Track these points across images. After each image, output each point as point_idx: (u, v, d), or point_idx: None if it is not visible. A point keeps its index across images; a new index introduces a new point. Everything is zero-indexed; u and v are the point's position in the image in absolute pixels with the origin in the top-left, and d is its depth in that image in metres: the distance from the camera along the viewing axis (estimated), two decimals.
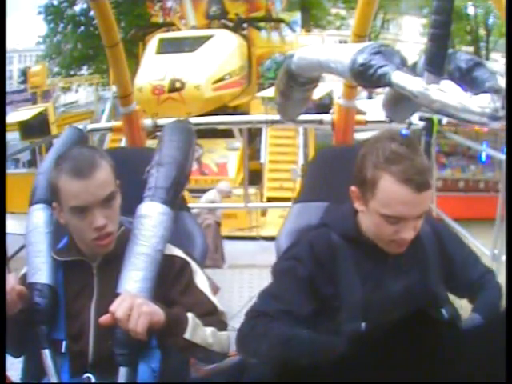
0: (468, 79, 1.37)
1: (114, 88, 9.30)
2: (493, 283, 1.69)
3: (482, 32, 26.66)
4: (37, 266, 1.67)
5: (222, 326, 1.67)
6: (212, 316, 1.65)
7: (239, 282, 3.79)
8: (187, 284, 1.68)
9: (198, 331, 1.55)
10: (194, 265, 1.73)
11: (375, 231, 1.55)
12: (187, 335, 1.51)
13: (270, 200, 7.89)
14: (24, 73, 22.38)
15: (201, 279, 1.72)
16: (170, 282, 1.65)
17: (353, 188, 1.58)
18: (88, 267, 1.65)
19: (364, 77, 1.36)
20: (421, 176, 1.45)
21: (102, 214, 1.56)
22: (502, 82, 1.23)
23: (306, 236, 1.69)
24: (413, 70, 1.43)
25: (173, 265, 1.69)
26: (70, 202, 1.56)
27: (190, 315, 1.54)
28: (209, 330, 1.59)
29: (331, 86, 9.35)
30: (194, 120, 3.13)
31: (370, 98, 12.52)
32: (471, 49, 24.74)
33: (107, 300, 1.54)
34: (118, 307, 1.40)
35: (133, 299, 1.43)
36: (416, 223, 1.50)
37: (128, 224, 1.75)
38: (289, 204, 2.23)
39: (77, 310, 1.64)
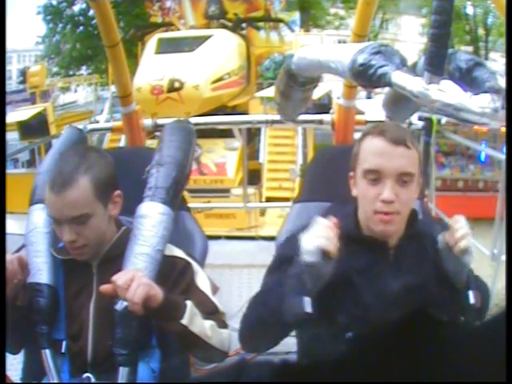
0: (468, 79, 1.37)
1: (112, 88, 9.29)
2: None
3: (481, 32, 26.66)
4: (37, 265, 1.67)
5: (222, 325, 1.67)
6: (212, 315, 1.65)
7: (238, 282, 3.78)
8: (188, 284, 1.68)
9: (195, 320, 1.55)
10: (195, 265, 1.73)
11: (362, 204, 1.56)
12: (184, 321, 1.51)
13: (269, 200, 7.87)
14: (23, 73, 22.32)
15: (202, 280, 1.72)
16: (171, 283, 1.65)
17: (350, 174, 1.62)
18: (88, 266, 1.66)
19: (364, 77, 1.36)
20: (397, 131, 1.50)
21: (71, 230, 1.56)
22: (501, 82, 1.23)
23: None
24: (413, 69, 1.43)
25: (174, 266, 1.69)
26: (48, 211, 1.62)
27: (188, 302, 1.54)
28: (208, 322, 1.60)
29: (330, 86, 9.35)
30: (192, 120, 3.13)
31: (369, 97, 12.52)
32: (470, 48, 24.73)
33: (106, 300, 1.54)
34: (120, 277, 1.42)
35: (135, 272, 1.46)
36: (396, 185, 1.50)
37: (129, 224, 1.76)
38: (288, 204, 2.23)
39: (76, 310, 1.64)
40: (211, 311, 1.67)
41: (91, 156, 1.62)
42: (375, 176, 1.48)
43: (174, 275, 1.67)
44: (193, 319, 1.53)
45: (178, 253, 1.74)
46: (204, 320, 1.58)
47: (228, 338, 1.68)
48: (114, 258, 1.65)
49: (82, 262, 1.65)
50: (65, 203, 1.53)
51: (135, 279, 1.41)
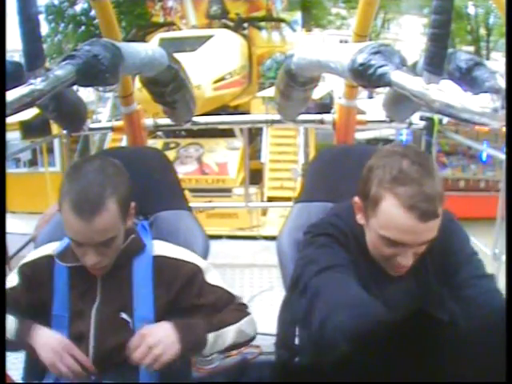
0: (468, 79, 1.37)
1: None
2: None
3: (482, 32, 26.62)
4: None
5: (242, 308, 1.75)
6: (232, 304, 1.72)
7: (240, 281, 3.79)
8: (200, 287, 1.70)
9: (218, 343, 1.62)
10: (203, 265, 1.75)
11: (373, 249, 1.50)
12: (206, 351, 1.61)
13: (270, 199, 7.86)
14: None
15: (212, 276, 1.75)
16: (182, 287, 1.68)
17: (356, 199, 1.54)
18: (92, 273, 1.66)
19: (364, 76, 1.36)
20: (428, 204, 1.34)
21: (97, 252, 1.54)
22: (501, 82, 1.23)
23: (326, 219, 1.67)
24: (413, 69, 1.43)
25: (183, 270, 1.70)
26: (67, 232, 1.54)
27: (210, 336, 1.59)
28: (232, 330, 1.66)
29: (332, 86, 9.35)
30: (195, 119, 3.14)
31: (370, 97, 12.52)
32: (472, 48, 24.70)
33: (109, 306, 1.56)
34: (135, 350, 1.49)
35: (147, 341, 1.49)
36: (418, 250, 1.42)
37: (140, 228, 1.77)
38: (289, 203, 2.23)
39: (79, 311, 1.65)
40: (229, 301, 1.73)
41: (112, 172, 1.56)
42: (395, 244, 1.40)
43: (184, 280, 1.69)
44: (215, 344, 1.61)
45: (187, 256, 1.75)
46: (227, 331, 1.65)
47: (253, 321, 1.74)
48: (120, 266, 1.66)
49: (85, 268, 1.64)
50: (94, 230, 1.48)
51: (150, 353, 1.47)
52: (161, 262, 1.70)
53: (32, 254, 1.76)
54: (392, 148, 1.48)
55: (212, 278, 1.74)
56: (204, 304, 1.68)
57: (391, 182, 1.38)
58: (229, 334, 1.65)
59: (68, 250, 1.67)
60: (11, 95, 1.13)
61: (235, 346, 1.72)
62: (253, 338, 1.75)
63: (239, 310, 1.73)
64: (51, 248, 1.74)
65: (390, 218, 1.38)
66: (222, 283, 1.76)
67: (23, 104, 1.16)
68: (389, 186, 1.38)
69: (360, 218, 1.52)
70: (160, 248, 1.74)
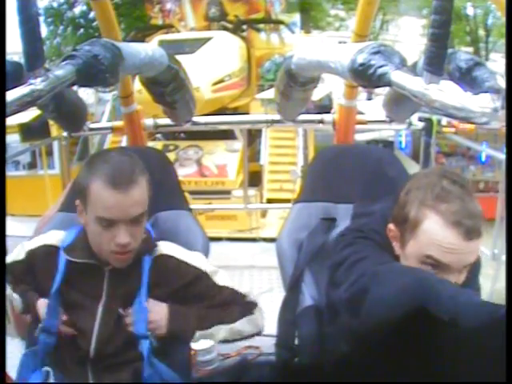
0: (468, 79, 1.37)
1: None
2: None
3: (481, 32, 26.63)
4: None
5: (248, 307, 1.78)
6: (241, 302, 1.76)
7: (239, 283, 3.79)
8: (204, 290, 1.74)
9: (207, 336, 1.71)
10: (209, 269, 1.77)
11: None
12: (193, 340, 1.69)
13: (270, 201, 7.87)
14: None
15: (220, 277, 1.78)
16: (186, 290, 1.72)
17: (390, 227, 1.47)
18: (100, 269, 1.66)
19: (363, 76, 1.36)
20: (473, 221, 1.29)
21: (127, 232, 1.55)
22: (501, 82, 1.23)
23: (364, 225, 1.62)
24: (413, 69, 1.43)
25: (186, 273, 1.73)
26: (98, 212, 1.54)
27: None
28: (225, 329, 1.72)
29: (331, 88, 9.35)
30: (195, 120, 3.14)
31: (369, 99, 12.52)
32: (470, 49, 24.72)
33: (115, 303, 1.56)
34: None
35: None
36: (459, 277, 1.34)
37: (149, 227, 1.79)
38: (289, 205, 2.23)
39: (84, 306, 1.64)
40: (237, 299, 1.76)
41: (136, 158, 1.63)
42: (437, 267, 1.34)
43: (184, 282, 1.72)
44: (203, 337, 1.70)
45: (191, 259, 1.76)
46: (218, 327, 1.70)
47: (255, 320, 1.78)
48: (129, 263, 1.66)
49: (94, 264, 1.64)
50: (131, 202, 1.53)
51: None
52: (164, 262, 1.71)
53: (36, 241, 1.75)
54: (428, 170, 1.48)
55: (220, 279, 1.76)
56: (215, 304, 1.73)
57: (434, 200, 1.33)
58: (220, 331, 1.70)
59: (76, 244, 1.67)
60: (11, 95, 1.13)
61: (232, 340, 1.77)
62: (254, 334, 1.79)
63: (243, 309, 1.76)
64: (55, 238, 1.73)
65: (433, 236, 1.32)
66: (230, 283, 1.79)
67: (23, 104, 1.15)
68: (431, 203, 1.33)
69: (395, 245, 1.46)
70: (165, 248, 1.75)
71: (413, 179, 1.45)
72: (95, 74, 1.36)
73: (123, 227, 1.54)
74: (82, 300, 1.65)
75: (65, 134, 3.31)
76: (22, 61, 1.27)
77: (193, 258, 1.75)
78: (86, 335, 1.61)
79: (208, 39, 9.68)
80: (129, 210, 1.53)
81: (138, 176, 1.55)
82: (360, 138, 8.59)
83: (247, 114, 9.35)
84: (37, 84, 1.18)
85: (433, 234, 1.32)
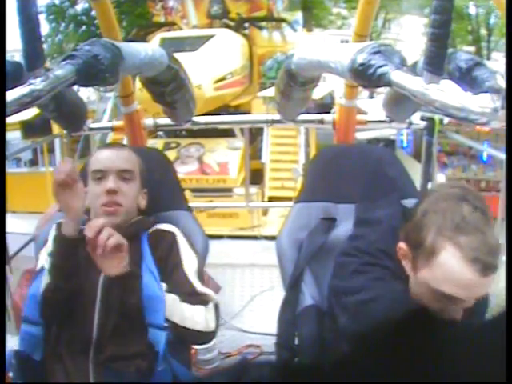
0: (468, 79, 1.37)
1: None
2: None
3: (483, 32, 26.61)
4: None
5: (204, 303, 1.75)
6: (193, 296, 1.73)
7: (240, 281, 3.79)
8: (176, 263, 1.78)
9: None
10: (180, 238, 1.86)
11: (417, 298, 1.38)
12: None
13: (271, 199, 7.86)
14: None
15: (188, 261, 1.81)
16: (164, 256, 1.79)
17: (401, 245, 1.41)
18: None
19: (363, 76, 1.36)
20: (492, 257, 1.24)
21: (116, 182, 1.77)
22: (501, 82, 1.23)
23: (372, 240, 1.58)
24: (413, 69, 1.43)
25: (164, 238, 1.84)
26: (93, 166, 1.82)
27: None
28: (186, 305, 1.68)
29: (332, 86, 9.34)
30: (195, 119, 3.14)
31: (371, 97, 12.52)
32: (472, 49, 24.70)
33: (115, 279, 1.56)
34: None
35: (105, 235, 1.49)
36: (469, 304, 1.31)
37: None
38: (290, 203, 2.23)
39: (86, 283, 1.66)
40: (191, 292, 1.73)
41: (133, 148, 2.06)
42: (448, 298, 1.29)
43: (165, 248, 1.80)
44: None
45: (167, 227, 1.89)
46: (182, 303, 1.67)
47: (212, 317, 1.73)
48: (128, 238, 1.66)
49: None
50: (119, 156, 1.83)
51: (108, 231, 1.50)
52: (158, 233, 1.86)
53: None
54: (448, 190, 1.34)
55: (186, 260, 1.82)
56: (170, 281, 1.73)
57: (453, 231, 1.26)
58: (183, 306, 1.68)
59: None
60: (11, 95, 1.14)
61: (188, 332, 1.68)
62: (211, 334, 1.74)
63: (202, 302, 1.75)
64: None
65: (449, 272, 1.26)
66: (192, 271, 1.81)
67: (23, 104, 1.16)
68: (450, 234, 1.26)
69: (405, 265, 1.40)
70: (162, 226, 1.91)
71: (431, 198, 1.36)
72: (95, 73, 1.37)
73: (112, 177, 1.78)
74: (87, 274, 1.65)
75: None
76: (22, 60, 1.27)
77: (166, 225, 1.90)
78: (86, 322, 1.62)
79: (210, 37, 9.65)
80: (117, 161, 1.81)
81: (130, 150, 1.93)
82: (361, 136, 8.58)
83: (249, 112, 9.35)
84: (37, 84, 1.18)
85: (449, 269, 1.26)
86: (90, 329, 1.63)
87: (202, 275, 1.85)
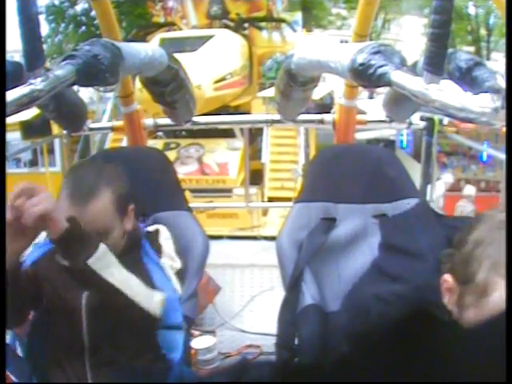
0: (468, 79, 1.37)
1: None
2: None
3: (482, 32, 26.61)
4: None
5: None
6: None
7: (240, 282, 3.78)
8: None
9: (109, 267, 1.44)
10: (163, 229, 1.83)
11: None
12: (91, 261, 1.39)
13: (271, 200, 7.86)
14: None
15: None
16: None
17: (446, 277, 1.20)
18: None
19: (363, 76, 1.36)
20: None
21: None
22: (501, 82, 1.23)
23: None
24: (413, 69, 1.43)
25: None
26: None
27: (103, 246, 1.43)
28: (134, 278, 1.51)
29: (332, 86, 9.34)
30: (195, 119, 3.14)
31: (371, 97, 12.52)
32: (472, 49, 24.70)
33: (98, 295, 1.53)
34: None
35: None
36: None
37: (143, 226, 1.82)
38: (290, 204, 2.23)
39: (69, 299, 1.60)
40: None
41: (108, 169, 1.61)
42: None
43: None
44: (105, 264, 1.42)
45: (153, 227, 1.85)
46: (129, 274, 1.50)
47: (160, 302, 1.54)
48: (128, 250, 1.66)
49: None
50: (88, 216, 1.49)
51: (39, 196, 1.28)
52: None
53: None
54: (503, 216, 1.11)
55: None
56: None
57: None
58: (129, 276, 1.50)
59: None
60: (11, 95, 1.14)
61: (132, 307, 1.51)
62: (154, 320, 1.54)
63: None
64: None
65: None
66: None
67: (23, 104, 1.16)
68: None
69: (449, 299, 1.19)
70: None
71: (483, 226, 1.15)
72: (95, 73, 1.37)
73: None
74: (69, 291, 1.58)
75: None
76: (22, 60, 1.27)
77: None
78: (76, 326, 1.58)
79: (210, 37, 9.66)
80: (87, 224, 1.45)
81: (99, 190, 1.53)
82: (361, 136, 8.58)
83: (249, 112, 9.35)
84: (37, 84, 1.18)
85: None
86: (80, 337, 1.60)
87: (201, 275, 1.83)
